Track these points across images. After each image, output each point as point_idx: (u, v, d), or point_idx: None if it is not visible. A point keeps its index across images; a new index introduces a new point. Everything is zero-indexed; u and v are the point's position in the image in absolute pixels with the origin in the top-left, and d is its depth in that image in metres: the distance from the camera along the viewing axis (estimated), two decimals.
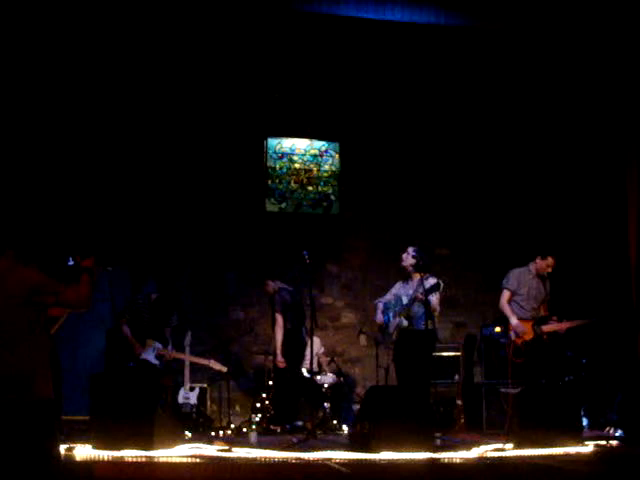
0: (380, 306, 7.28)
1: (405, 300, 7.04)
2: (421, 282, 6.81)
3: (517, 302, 7.29)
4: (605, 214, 8.43)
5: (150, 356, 7.32)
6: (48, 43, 7.70)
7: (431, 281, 6.89)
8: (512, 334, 7.19)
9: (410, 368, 6.90)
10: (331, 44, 8.23)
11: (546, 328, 7.21)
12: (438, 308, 7.03)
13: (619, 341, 7.85)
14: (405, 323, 7.01)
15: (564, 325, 7.25)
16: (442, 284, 6.77)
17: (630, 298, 7.63)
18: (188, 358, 7.58)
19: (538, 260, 7.34)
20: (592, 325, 7.35)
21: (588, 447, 6.05)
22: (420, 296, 6.76)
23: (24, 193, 7.70)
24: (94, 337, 8.26)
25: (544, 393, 6.36)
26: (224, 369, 7.77)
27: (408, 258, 7.14)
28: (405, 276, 7.24)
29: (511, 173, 9.47)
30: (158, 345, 7.38)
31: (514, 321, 7.17)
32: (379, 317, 7.26)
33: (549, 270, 7.34)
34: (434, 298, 6.88)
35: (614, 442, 6.53)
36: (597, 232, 8.59)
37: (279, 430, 7.41)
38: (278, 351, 7.60)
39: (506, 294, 7.33)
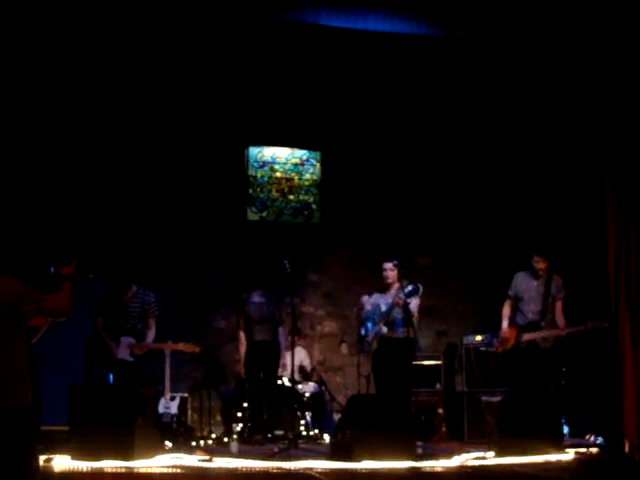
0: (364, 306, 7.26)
1: (384, 308, 7.04)
2: (401, 289, 6.84)
3: (519, 307, 7.10)
4: (586, 227, 8.46)
5: (125, 354, 7.18)
6: (44, 49, 7.61)
7: (409, 286, 6.90)
8: (495, 341, 7.18)
9: (389, 377, 6.90)
10: (313, 53, 8.23)
11: (527, 336, 6.97)
12: (416, 314, 7.02)
13: (599, 349, 7.88)
14: (384, 330, 7.00)
15: (543, 334, 6.96)
16: (421, 288, 6.78)
17: (609, 308, 7.67)
18: (157, 346, 7.36)
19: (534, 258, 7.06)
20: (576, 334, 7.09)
21: (569, 455, 6.09)
22: (400, 302, 6.76)
23: (4, 202, 7.62)
24: (73, 346, 8.16)
25: (525, 401, 6.39)
26: (197, 349, 7.42)
27: (394, 273, 7.09)
28: (382, 287, 7.23)
29: (492, 182, 9.51)
30: (129, 340, 7.19)
31: (502, 327, 7.11)
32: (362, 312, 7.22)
33: (540, 267, 7.03)
34: (413, 303, 6.89)
35: (594, 449, 6.57)
36: (578, 243, 8.63)
37: (260, 440, 7.37)
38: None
39: (507, 300, 7.21)
